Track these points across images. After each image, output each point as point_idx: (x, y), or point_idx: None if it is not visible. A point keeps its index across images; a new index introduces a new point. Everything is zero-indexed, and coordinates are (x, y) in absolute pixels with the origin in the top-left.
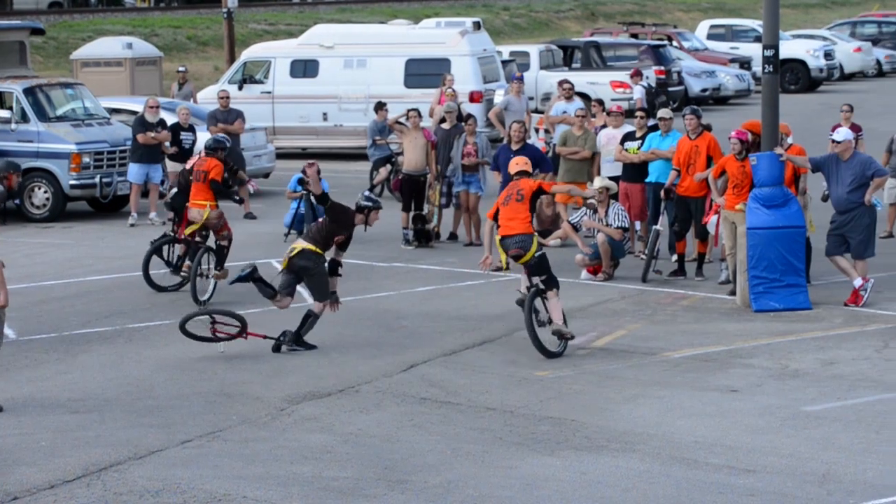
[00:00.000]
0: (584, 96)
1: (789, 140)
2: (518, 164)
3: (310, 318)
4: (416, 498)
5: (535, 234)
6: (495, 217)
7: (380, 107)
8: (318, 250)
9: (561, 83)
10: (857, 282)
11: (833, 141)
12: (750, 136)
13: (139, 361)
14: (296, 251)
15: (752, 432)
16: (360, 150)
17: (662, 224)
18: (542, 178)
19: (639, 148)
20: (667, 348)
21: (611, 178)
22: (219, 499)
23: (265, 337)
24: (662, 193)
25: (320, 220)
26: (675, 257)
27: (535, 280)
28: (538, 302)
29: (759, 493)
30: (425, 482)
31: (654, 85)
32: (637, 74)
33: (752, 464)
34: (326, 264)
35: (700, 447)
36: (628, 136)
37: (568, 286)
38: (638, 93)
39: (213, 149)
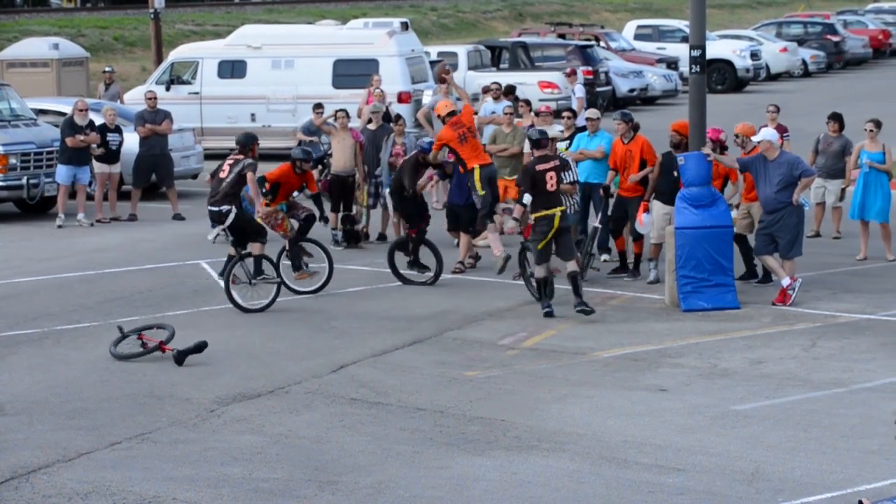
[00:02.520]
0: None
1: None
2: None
3: (577, 280)
4: (346, 499)
5: None
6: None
7: (316, 107)
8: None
9: (485, 89)
10: (785, 281)
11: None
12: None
13: (67, 363)
14: (557, 215)
15: (681, 431)
16: (289, 150)
17: (598, 221)
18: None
19: (567, 148)
20: (596, 348)
21: None
22: (148, 500)
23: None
24: (601, 191)
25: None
26: (604, 257)
27: None
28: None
29: (688, 491)
30: (356, 483)
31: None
32: (573, 74)
33: (681, 463)
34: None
35: (630, 446)
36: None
37: (498, 286)
38: (580, 92)
39: (294, 159)
